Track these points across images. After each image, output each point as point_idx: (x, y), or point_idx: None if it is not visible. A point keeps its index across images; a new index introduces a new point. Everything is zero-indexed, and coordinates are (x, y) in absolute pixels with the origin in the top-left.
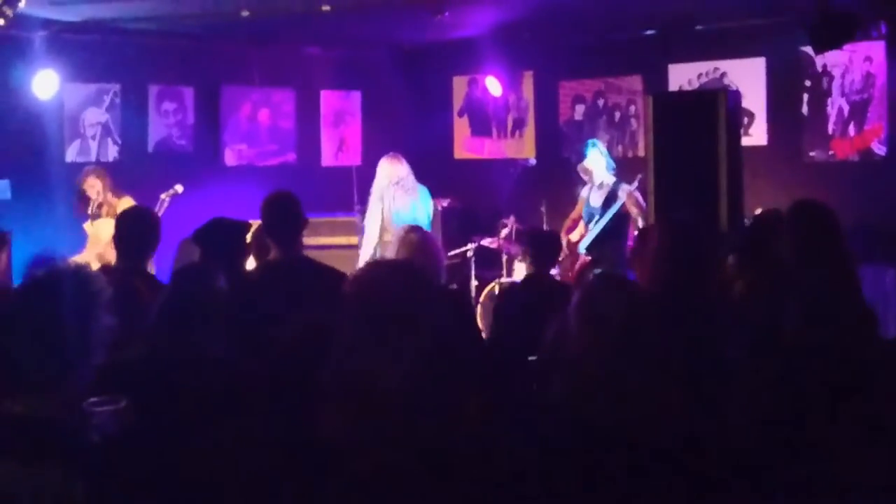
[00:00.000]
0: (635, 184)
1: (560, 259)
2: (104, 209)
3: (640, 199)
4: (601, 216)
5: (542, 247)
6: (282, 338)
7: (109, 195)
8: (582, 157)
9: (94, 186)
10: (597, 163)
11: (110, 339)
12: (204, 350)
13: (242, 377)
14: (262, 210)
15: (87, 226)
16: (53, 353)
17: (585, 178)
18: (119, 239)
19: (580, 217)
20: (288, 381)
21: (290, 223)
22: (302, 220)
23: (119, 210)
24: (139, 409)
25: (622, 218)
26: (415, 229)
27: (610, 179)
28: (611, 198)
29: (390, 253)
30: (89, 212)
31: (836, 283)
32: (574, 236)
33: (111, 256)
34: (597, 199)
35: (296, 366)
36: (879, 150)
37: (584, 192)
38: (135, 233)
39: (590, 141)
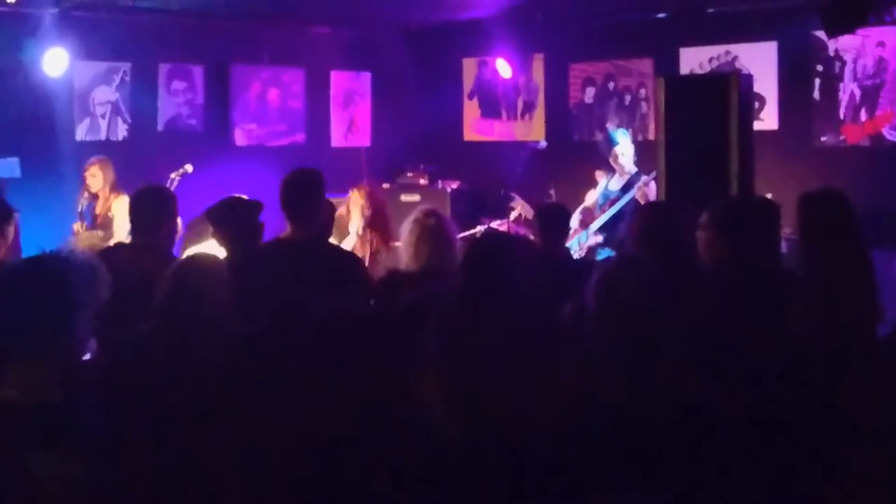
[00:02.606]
0: (652, 174)
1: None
2: (98, 203)
3: (651, 192)
4: (618, 199)
5: (549, 220)
6: (305, 319)
7: (107, 189)
8: (608, 143)
9: (94, 176)
10: (628, 150)
11: (106, 318)
12: (212, 325)
13: (255, 353)
14: (281, 185)
15: (78, 226)
16: (45, 333)
17: (615, 165)
18: (133, 216)
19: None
20: (306, 361)
21: (307, 202)
22: (321, 201)
23: (113, 208)
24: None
25: (635, 205)
26: (431, 213)
27: (632, 168)
28: (629, 185)
29: (405, 236)
30: (80, 203)
31: (844, 276)
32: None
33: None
34: (615, 185)
35: (316, 347)
36: (890, 135)
37: (603, 180)
38: (149, 210)
39: (620, 129)
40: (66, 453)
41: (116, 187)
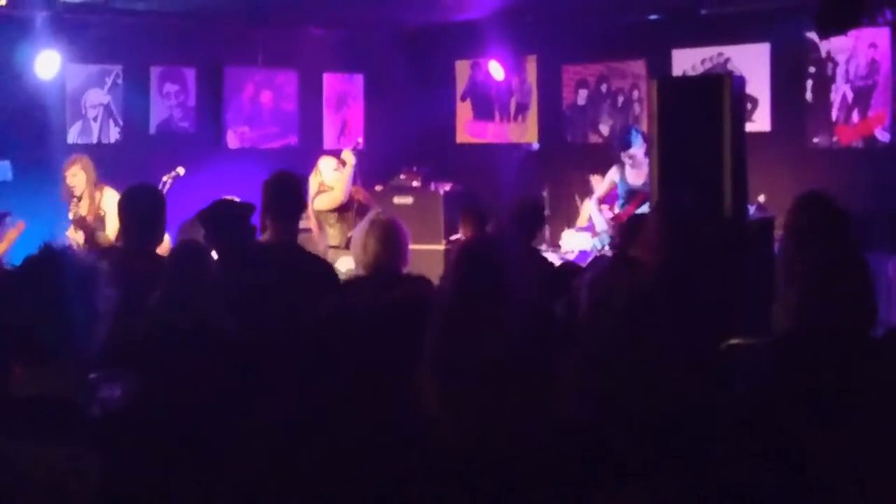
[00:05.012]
0: None
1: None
2: (83, 204)
3: None
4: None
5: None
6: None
7: (91, 187)
8: (624, 143)
9: (76, 175)
10: (642, 148)
11: (112, 315)
12: (206, 323)
13: (247, 351)
14: (264, 188)
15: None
16: (56, 330)
17: (629, 162)
18: (125, 218)
19: (606, 195)
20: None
21: (288, 204)
22: (302, 203)
23: (102, 201)
24: (149, 382)
25: None
26: (382, 214)
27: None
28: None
29: (355, 234)
30: (70, 210)
31: (840, 277)
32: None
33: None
34: (635, 177)
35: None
36: (883, 136)
37: (614, 174)
38: (142, 212)
39: (633, 128)
40: (82, 447)
41: (99, 182)
